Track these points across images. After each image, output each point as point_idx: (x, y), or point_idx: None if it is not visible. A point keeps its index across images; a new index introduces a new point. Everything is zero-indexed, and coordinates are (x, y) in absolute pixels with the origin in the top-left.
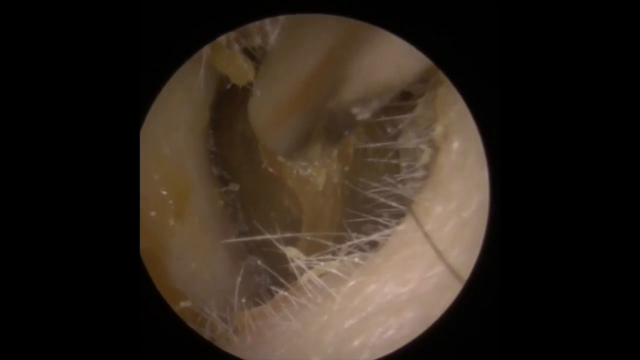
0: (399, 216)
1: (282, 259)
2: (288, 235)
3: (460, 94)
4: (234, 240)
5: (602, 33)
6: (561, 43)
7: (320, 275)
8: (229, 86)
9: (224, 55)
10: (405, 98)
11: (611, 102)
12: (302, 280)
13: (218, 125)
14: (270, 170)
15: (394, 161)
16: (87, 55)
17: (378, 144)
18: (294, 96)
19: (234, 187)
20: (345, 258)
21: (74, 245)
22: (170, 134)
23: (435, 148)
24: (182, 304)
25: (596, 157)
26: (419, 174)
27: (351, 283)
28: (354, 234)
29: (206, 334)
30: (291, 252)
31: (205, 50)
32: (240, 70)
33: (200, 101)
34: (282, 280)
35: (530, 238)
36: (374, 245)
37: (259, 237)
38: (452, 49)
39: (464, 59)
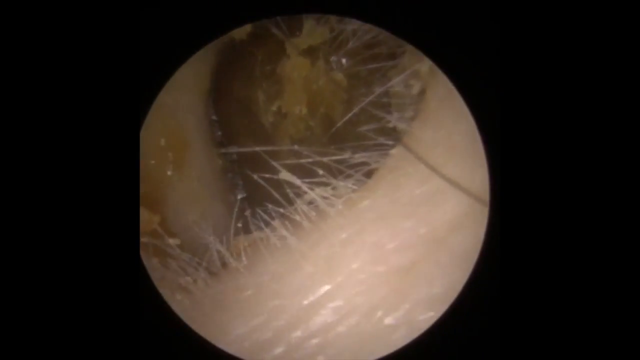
0: (390, 149)
1: (278, 184)
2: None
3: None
4: (225, 151)
5: (601, 29)
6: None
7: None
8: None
9: None
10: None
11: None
12: (298, 203)
13: (219, 96)
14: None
15: (384, 99)
16: (87, 53)
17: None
18: None
19: (233, 148)
20: (341, 183)
21: (74, 244)
22: (172, 92)
23: (422, 83)
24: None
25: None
26: (408, 113)
27: (344, 199)
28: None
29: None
30: (285, 175)
31: None
32: None
33: (201, 67)
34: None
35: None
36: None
37: (248, 150)
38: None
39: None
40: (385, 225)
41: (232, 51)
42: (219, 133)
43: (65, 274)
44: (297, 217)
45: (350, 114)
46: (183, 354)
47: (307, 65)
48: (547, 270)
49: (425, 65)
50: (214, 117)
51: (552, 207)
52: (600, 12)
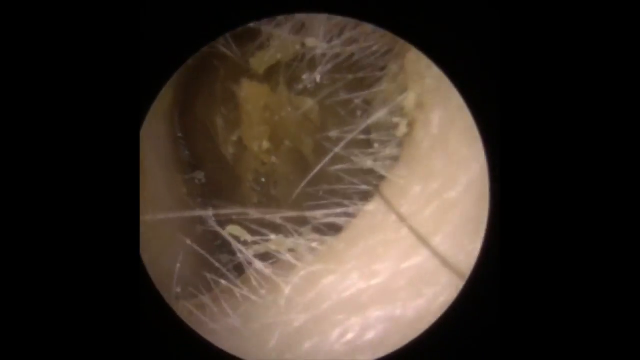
0: (367, 196)
1: (224, 240)
2: (231, 211)
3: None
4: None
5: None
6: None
7: (267, 258)
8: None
9: None
10: (370, 70)
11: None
12: (246, 266)
13: (184, 112)
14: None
15: (362, 137)
16: (87, 55)
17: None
18: None
19: (199, 174)
20: (301, 241)
21: (74, 244)
22: None
23: (409, 120)
24: None
25: (600, 163)
26: (392, 150)
27: (303, 272)
28: (312, 213)
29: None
30: (234, 230)
31: None
32: None
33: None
34: (221, 266)
35: (531, 228)
36: (336, 228)
37: (189, 214)
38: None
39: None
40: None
41: (198, 63)
42: (186, 152)
43: (65, 274)
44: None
45: (323, 162)
46: (183, 354)
47: (265, 92)
48: (547, 271)
49: (412, 96)
50: (179, 135)
51: (552, 213)
52: (600, 12)
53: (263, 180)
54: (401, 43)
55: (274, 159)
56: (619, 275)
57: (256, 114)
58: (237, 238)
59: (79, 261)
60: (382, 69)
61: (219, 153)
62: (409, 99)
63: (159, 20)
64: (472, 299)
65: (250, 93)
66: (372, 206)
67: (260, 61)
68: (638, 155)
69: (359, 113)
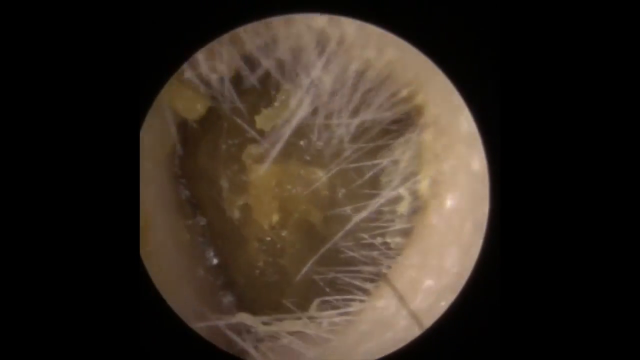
0: (377, 276)
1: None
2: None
3: None
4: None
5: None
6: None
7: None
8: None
9: (171, 88)
10: (384, 136)
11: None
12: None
13: (185, 153)
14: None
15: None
16: (86, 58)
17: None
18: None
19: (201, 220)
20: (310, 328)
21: (74, 245)
22: None
23: (421, 202)
24: None
25: (599, 170)
26: (401, 225)
27: None
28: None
29: None
30: (245, 318)
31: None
32: (189, 103)
33: (163, 127)
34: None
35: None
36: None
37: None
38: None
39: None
40: None
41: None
42: (187, 192)
43: (65, 274)
44: None
45: (332, 240)
46: (183, 354)
47: (274, 172)
48: (547, 271)
49: (426, 178)
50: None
51: (552, 213)
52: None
53: (277, 247)
54: (416, 116)
55: (284, 232)
56: (619, 275)
57: (267, 194)
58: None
59: (79, 261)
60: (397, 138)
61: (223, 213)
62: (423, 183)
63: (158, 20)
64: (472, 300)
65: (260, 176)
66: (383, 302)
67: (266, 119)
68: (638, 152)
69: (372, 182)
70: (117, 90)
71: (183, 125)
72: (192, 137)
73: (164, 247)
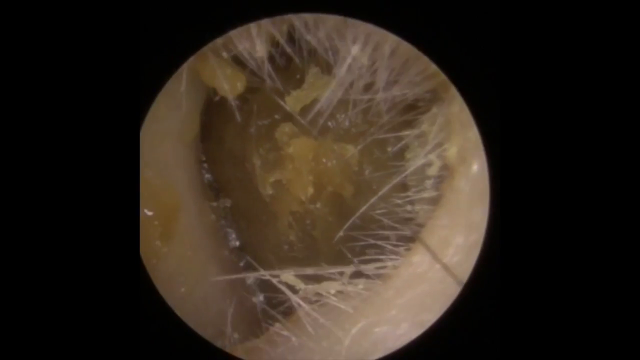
0: (408, 241)
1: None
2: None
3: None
4: (223, 278)
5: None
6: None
7: (318, 304)
8: (217, 98)
9: (209, 66)
10: (409, 111)
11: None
12: (300, 312)
13: (207, 137)
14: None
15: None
16: (86, 57)
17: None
18: None
19: (226, 202)
20: (348, 288)
21: (74, 246)
22: (156, 149)
23: (449, 169)
24: None
25: (599, 168)
26: (429, 194)
27: (360, 324)
28: (357, 259)
29: None
30: (288, 278)
31: (191, 62)
32: (228, 81)
33: (190, 110)
34: (275, 312)
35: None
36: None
37: (252, 274)
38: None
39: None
40: None
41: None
42: (208, 176)
43: (65, 274)
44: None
45: (366, 206)
46: (183, 354)
47: (312, 145)
48: (547, 271)
49: (453, 146)
50: (203, 160)
51: (552, 214)
52: (600, 12)
53: (308, 222)
54: (443, 89)
55: (318, 204)
56: (619, 275)
57: (305, 166)
58: (291, 287)
59: (79, 261)
60: (424, 113)
61: (253, 190)
62: (451, 151)
63: (158, 20)
64: (472, 300)
65: (299, 148)
66: (417, 257)
67: (295, 100)
68: (638, 152)
69: (398, 156)
70: (117, 89)
71: (209, 108)
72: (218, 120)
73: (192, 227)
